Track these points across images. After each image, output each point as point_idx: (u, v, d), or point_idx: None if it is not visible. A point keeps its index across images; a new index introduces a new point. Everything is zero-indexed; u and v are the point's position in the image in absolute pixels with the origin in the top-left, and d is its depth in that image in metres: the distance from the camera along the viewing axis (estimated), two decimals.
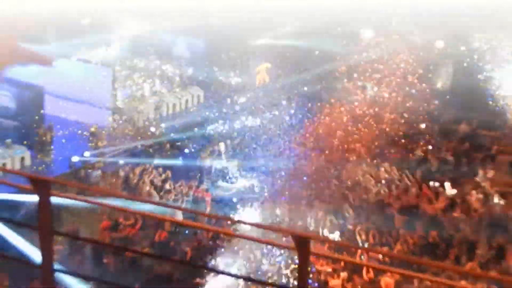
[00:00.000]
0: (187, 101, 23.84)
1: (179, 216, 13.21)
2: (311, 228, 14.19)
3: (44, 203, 3.91)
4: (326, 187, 15.92)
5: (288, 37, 25.57)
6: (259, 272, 12.87)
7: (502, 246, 13.01)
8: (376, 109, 21.03)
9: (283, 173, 17.15)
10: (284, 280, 12.54)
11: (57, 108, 20.19)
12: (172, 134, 20.62)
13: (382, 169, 16.38)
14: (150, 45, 24.04)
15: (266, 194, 16.40)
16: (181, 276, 12.87)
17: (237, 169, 18.43)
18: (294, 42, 25.44)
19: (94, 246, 13.43)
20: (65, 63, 21.31)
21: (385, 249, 13.19)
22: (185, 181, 16.79)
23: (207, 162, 18.54)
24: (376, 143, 18.29)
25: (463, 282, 9.67)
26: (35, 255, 5.11)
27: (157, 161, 18.01)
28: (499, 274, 11.55)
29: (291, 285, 12.17)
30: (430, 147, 18.42)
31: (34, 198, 3.91)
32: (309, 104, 21.94)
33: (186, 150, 19.62)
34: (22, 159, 18.28)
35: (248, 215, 15.00)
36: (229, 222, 14.12)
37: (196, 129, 20.87)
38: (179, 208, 14.87)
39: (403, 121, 20.29)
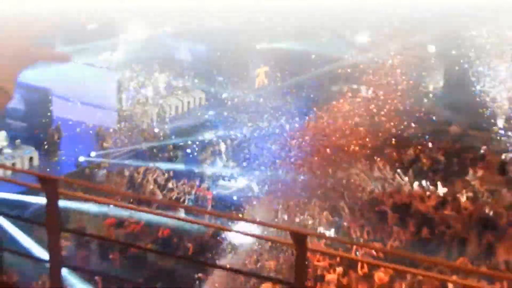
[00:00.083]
0: (189, 103, 24.37)
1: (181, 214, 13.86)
2: (309, 223, 14.60)
3: (52, 201, 3.98)
4: (323, 186, 16.37)
5: (286, 40, 25.92)
6: (258, 267, 13.29)
7: (492, 243, 13.36)
8: (373, 110, 21.45)
9: (281, 173, 17.65)
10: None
11: (64, 110, 20.59)
12: (174, 136, 21.15)
13: (376, 168, 16.83)
14: (153, 48, 24.44)
15: (265, 192, 16.90)
16: (183, 271, 13.36)
17: (237, 168, 18.97)
18: (291, 45, 25.81)
19: (100, 242, 13.98)
20: (71, 67, 21.72)
21: (379, 245, 13.57)
22: (187, 180, 17.41)
23: (208, 162, 19.16)
24: (370, 144, 18.73)
25: (454, 277, 9.65)
26: (43, 253, 5.33)
27: (160, 164, 18.47)
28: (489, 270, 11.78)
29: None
30: (422, 147, 18.81)
31: (42, 200, 4.04)
32: (306, 106, 22.43)
33: (188, 150, 20.16)
34: (31, 159, 18.74)
35: (248, 213, 15.49)
36: (229, 219, 14.58)
37: (197, 130, 21.41)
38: (181, 206, 15.34)
39: (396, 122, 20.73)
